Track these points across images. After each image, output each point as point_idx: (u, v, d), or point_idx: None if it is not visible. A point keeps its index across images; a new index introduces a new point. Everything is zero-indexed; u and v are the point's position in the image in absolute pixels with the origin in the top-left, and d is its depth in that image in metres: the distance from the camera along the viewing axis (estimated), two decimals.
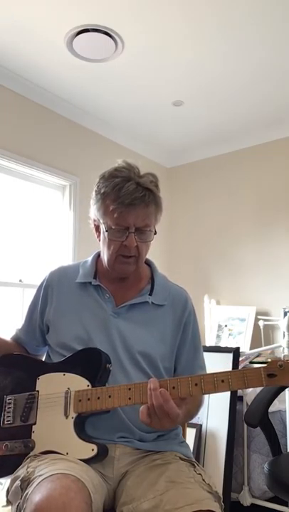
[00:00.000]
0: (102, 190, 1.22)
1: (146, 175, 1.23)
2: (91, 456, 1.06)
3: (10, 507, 1.04)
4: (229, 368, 2.36)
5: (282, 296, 3.37)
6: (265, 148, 3.68)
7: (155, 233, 1.26)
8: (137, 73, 2.88)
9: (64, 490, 0.89)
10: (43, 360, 1.35)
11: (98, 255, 1.36)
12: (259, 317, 3.37)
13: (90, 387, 1.12)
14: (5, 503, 1.06)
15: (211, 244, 3.90)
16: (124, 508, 1.03)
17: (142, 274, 1.34)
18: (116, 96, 3.15)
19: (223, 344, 3.31)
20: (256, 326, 3.35)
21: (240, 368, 2.52)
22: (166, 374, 1.24)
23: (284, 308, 3.15)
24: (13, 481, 1.05)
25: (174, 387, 1.04)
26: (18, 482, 1.01)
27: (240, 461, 2.37)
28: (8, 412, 1.19)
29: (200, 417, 2.41)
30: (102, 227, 1.25)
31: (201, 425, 2.40)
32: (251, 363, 2.82)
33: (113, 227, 1.20)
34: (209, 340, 3.48)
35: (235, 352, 2.43)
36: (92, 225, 1.32)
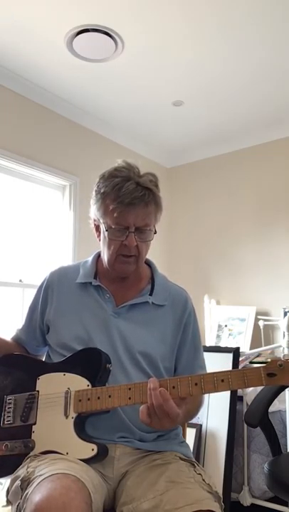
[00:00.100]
0: (102, 190, 1.22)
1: (146, 174, 1.23)
2: (91, 456, 1.06)
3: (10, 507, 1.03)
4: (229, 368, 2.36)
5: (282, 296, 3.37)
6: (265, 148, 3.69)
7: (155, 232, 1.26)
8: (137, 73, 2.88)
9: (64, 490, 0.89)
10: (43, 360, 1.35)
11: (98, 255, 1.36)
12: (259, 317, 3.37)
13: (90, 387, 1.12)
14: (5, 503, 1.06)
15: (211, 244, 3.90)
16: (124, 508, 1.03)
17: (142, 274, 1.34)
18: (116, 96, 3.15)
19: (223, 344, 3.31)
20: (256, 326, 3.35)
21: (240, 368, 2.52)
22: (166, 374, 1.24)
23: (284, 308, 3.15)
24: (13, 481, 1.05)
25: (173, 387, 1.04)
26: (18, 482, 1.01)
27: (240, 461, 2.37)
28: (9, 412, 1.19)
29: (200, 417, 2.42)
30: (102, 227, 1.25)
31: (201, 425, 2.40)
32: (251, 362, 2.82)
33: (113, 226, 1.20)
34: (209, 340, 3.48)
35: (235, 352, 2.43)
36: (92, 225, 1.32)
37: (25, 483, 0.98)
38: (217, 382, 1.03)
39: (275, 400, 1.76)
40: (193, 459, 1.20)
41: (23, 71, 2.85)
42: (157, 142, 3.91)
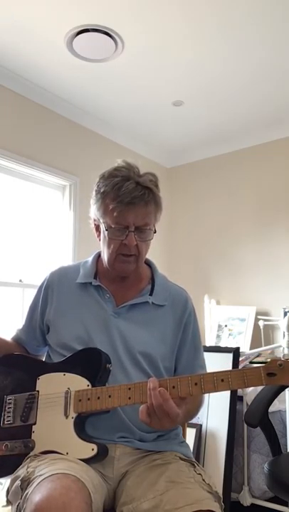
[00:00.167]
0: (101, 190, 1.22)
1: (145, 174, 1.23)
2: (91, 456, 1.06)
3: (10, 507, 1.04)
4: (229, 368, 2.36)
5: (282, 296, 3.37)
6: (265, 148, 3.69)
7: (155, 232, 1.26)
8: (137, 73, 2.88)
9: (64, 490, 0.89)
10: (43, 360, 1.35)
11: (98, 255, 1.36)
12: (259, 317, 3.37)
13: (90, 387, 1.12)
14: (5, 503, 1.06)
15: (211, 244, 3.90)
16: (124, 508, 1.03)
17: (143, 274, 1.34)
18: (116, 96, 3.15)
19: (223, 344, 3.31)
20: (256, 326, 3.35)
21: (240, 368, 2.52)
22: (166, 374, 1.24)
23: (284, 308, 3.15)
24: (13, 481, 1.05)
25: (173, 387, 1.04)
26: (18, 482, 1.01)
27: (240, 461, 2.37)
28: (9, 412, 1.19)
29: (200, 417, 2.42)
30: (102, 227, 1.25)
31: (201, 425, 2.40)
32: (251, 362, 2.82)
33: (113, 226, 1.20)
34: (209, 340, 3.48)
35: (235, 352, 2.43)
36: (93, 225, 1.32)
37: (25, 483, 0.98)
38: (217, 381, 1.03)
39: (275, 399, 1.76)
40: (193, 459, 1.20)
41: (23, 71, 2.85)
42: (157, 142, 3.91)
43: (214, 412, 2.38)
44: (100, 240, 1.29)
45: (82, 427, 1.11)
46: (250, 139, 3.72)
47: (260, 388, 1.89)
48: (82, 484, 0.93)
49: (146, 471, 1.09)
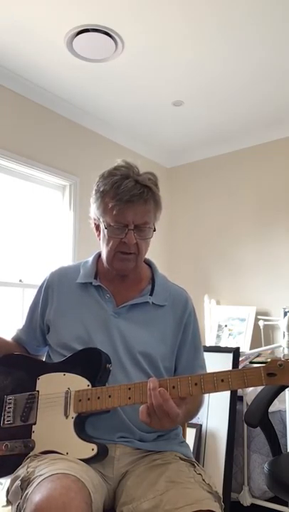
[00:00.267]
0: (101, 189, 1.23)
1: (145, 173, 1.24)
2: (91, 456, 1.06)
3: (10, 507, 1.04)
4: (229, 368, 2.36)
5: (282, 296, 3.37)
6: (265, 148, 3.69)
7: (154, 230, 1.26)
8: (137, 73, 2.88)
9: (64, 490, 0.89)
10: (44, 360, 1.35)
11: (99, 255, 1.36)
12: (259, 317, 3.37)
13: (90, 387, 1.12)
14: (5, 503, 1.06)
15: (211, 244, 3.90)
16: (124, 508, 1.03)
17: (143, 274, 1.34)
18: (116, 96, 3.15)
19: (223, 344, 3.31)
20: (256, 326, 3.35)
21: (240, 368, 2.52)
22: (166, 374, 1.24)
23: (284, 308, 3.15)
24: (13, 481, 1.05)
25: (173, 387, 1.04)
26: (18, 482, 1.01)
27: (240, 461, 2.37)
28: (9, 412, 1.19)
29: (200, 417, 2.41)
30: (102, 226, 1.25)
31: (201, 425, 2.40)
32: (251, 362, 2.82)
33: (112, 224, 1.21)
34: (209, 340, 3.48)
35: (235, 352, 2.43)
36: (93, 225, 1.32)
37: (25, 483, 0.98)
38: (217, 382, 1.03)
39: (275, 399, 1.76)
40: (193, 459, 1.20)
41: (23, 71, 2.85)
42: (157, 142, 3.91)
43: (214, 412, 2.38)
44: (100, 239, 1.29)
45: (82, 427, 1.11)
46: (250, 139, 3.72)
47: (260, 388, 1.89)
48: (82, 484, 0.93)
49: (146, 471, 1.09)
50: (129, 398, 1.07)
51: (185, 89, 3.07)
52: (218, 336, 3.45)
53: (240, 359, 2.62)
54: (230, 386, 1.02)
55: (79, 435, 1.09)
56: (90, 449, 1.07)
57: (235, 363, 2.41)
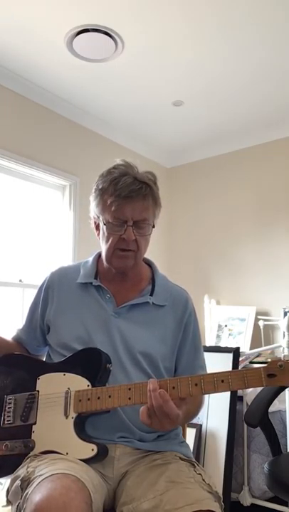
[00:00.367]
0: (99, 186, 1.24)
1: (144, 172, 1.25)
2: (91, 456, 1.06)
3: (10, 507, 1.04)
4: (229, 368, 2.36)
5: (282, 296, 3.37)
6: (265, 148, 3.69)
7: (153, 227, 1.27)
8: (137, 73, 2.88)
9: (64, 490, 0.89)
10: (44, 360, 1.35)
11: (99, 255, 1.36)
12: (259, 317, 3.37)
13: (90, 387, 1.12)
14: (5, 503, 1.06)
15: (211, 244, 3.90)
16: (124, 508, 1.03)
17: (143, 274, 1.34)
18: (116, 96, 3.15)
19: (223, 344, 3.31)
20: (256, 326, 3.35)
21: (240, 368, 2.52)
22: (166, 374, 1.24)
23: (284, 308, 3.15)
24: (13, 481, 1.05)
25: (173, 388, 1.04)
26: (18, 482, 1.01)
27: (240, 461, 2.37)
28: (9, 412, 1.19)
29: (200, 417, 2.42)
30: (101, 223, 1.25)
31: (201, 425, 2.40)
32: (251, 362, 2.82)
33: (111, 220, 1.21)
34: (209, 340, 3.48)
35: (235, 352, 2.43)
36: (93, 225, 1.33)
37: (26, 483, 0.98)
38: (217, 382, 1.03)
39: (275, 400, 1.76)
40: (193, 459, 1.20)
41: (23, 71, 2.85)
42: (157, 142, 3.91)
43: (214, 412, 2.38)
44: (100, 238, 1.30)
45: (82, 427, 1.12)
46: (250, 139, 3.72)
47: (260, 388, 1.89)
48: (82, 484, 0.93)
49: (146, 471, 1.09)
50: (129, 398, 1.07)
51: (185, 89, 3.07)
52: (218, 336, 3.45)
53: (240, 359, 2.62)
54: (230, 387, 1.02)
55: (79, 435, 1.09)
56: (89, 449, 1.07)
57: (235, 363, 2.41)
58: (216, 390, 1.03)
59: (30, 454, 1.11)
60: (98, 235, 1.30)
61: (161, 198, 1.29)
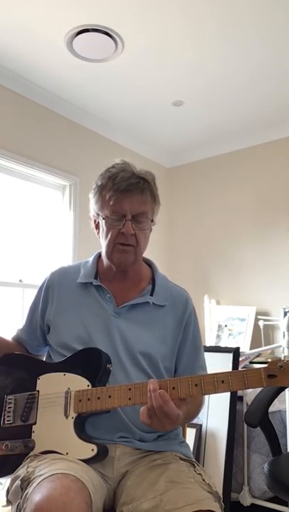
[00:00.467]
0: (98, 183, 1.26)
1: (142, 169, 1.27)
2: (91, 456, 1.06)
3: (10, 507, 1.04)
4: (229, 368, 2.36)
5: (282, 296, 3.37)
6: (265, 148, 3.69)
7: (152, 221, 1.28)
8: (137, 73, 2.88)
9: (64, 490, 0.89)
10: (44, 360, 1.35)
11: (99, 255, 1.36)
12: (259, 317, 3.37)
13: (90, 387, 1.12)
14: (5, 503, 1.06)
15: (211, 244, 3.90)
16: (124, 508, 1.03)
17: (143, 274, 1.34)
18: (116, 96, 3.15)
19: (223, 344, 3.31)
20: (256, 326, 3.35)
21: (240, 368, 2.52)
22: (166, 374, 1.24)
23: (284, 308, 3.15)
24: (13, 481, 1.05)
25: (174, 388, 1.04)
26: (18, 482, 1.01)
27: (240, 461, 2.37)
28: (9, 412, 1.19)
29: (200, 417, 2.41)
30: (101, 220, 1.26)
31: (201, 425, 2.40)
32: (251, 363, 2.82)
33: (110, 215, 1.22)
34: (209, 340, 3.48)
35: (235, 352, 2.43)
36: (93, 225, 1.33)
37: (26, 483, 0.98)
38: (217, 383, 1.03)
39: (275, 400, 1.76)
40: (193, 459, 1.20)
41: (23, 71, 2.85)
42: (157, 142, 3.91)
43: (214, 412, 2.38)
44: (99, 236, 1.30)
45: (82, 427, 1.12)
46: (250, 139, 3.72)
47: (260, 388, 1.89)
48: (82, 484, 0.93)
49: (146, 471, 1.09)
50: (130, 399, 1.07)
51: (185, 89, 3.07)
52: (218, 336, 3.45)
53: (240, 359, 2.62)
54: (230, 387, 1.02)
55: (79, 435, 1.09)
56: (89, 450, 1.07)
57: (235, 363, 2.41)
58: (216, 390, 1.03)
59: (30, 454, 1.11)
60: (98, 233, 1.31)
61: (161, 198, 1.31)
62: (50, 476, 0.93)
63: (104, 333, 1.22)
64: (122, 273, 1.29)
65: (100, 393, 1.10)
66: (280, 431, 2.37)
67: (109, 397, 1.09)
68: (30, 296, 1.41)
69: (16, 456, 1.12)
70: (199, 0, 2.24)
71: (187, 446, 1.28)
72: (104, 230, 1.25)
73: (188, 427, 2.11)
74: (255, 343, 3.31)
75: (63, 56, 2.69)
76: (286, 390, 2.23)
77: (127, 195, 1.21)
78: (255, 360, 2.87)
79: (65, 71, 2.85)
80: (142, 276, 1.33)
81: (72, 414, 1.11)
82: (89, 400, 1.10)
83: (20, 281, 2.97)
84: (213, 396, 2.27)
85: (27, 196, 3.11)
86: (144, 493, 1.02)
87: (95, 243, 1.36)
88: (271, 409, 2.10)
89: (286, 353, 2.34)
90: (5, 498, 1.07)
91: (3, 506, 1.09)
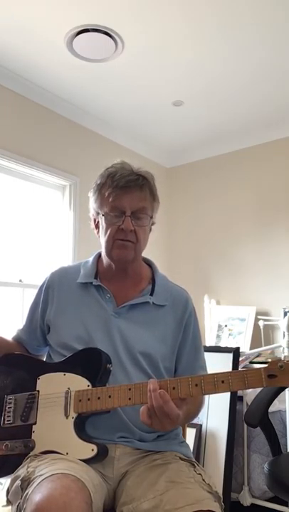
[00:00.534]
0: (98, 182, 1.28)
1: (141, 168, 1.28)
2: (91, 457, 1.06)
3: (10, 507, 1.04)
4: (229, 368, 2.36)
5: (282, 296, 3.37)
6: (265, 148, 3.69)
7: (151, 217, 1.28)
8: (137, 73, 2.88)
9: (64, 490, 0.89)
10: (44, 360, 1.35)
11: (99, 256, 1.36)
12: (259, 317, 3.37)
13: (90, 387, 1.12)
14: (5, 503, 1.06)
15: (211, 244, 3.90)
16: (124, 508, 1.03)
17: (143, 274, 1.34)
18: (116, 96, 3.15)
19: (223, 344, 3.31)
20: (256, 326, 3.35)
21: (240, 368, 2.52)
22: (166, 374, 1.24)
23: (284, 308, 3.15)
24: (13, 481, 1.05)
25: (174, 388, 1.04)
26: (18, 482, 1.01)
27: (240, 461, 2.37)
28: (9, 412, 1.19)
29: (200, 417, 2.41)
30: (100, 218, 1.27)
31: (201, 425, 2.40)
32: (251, 363, 2.82)
33: (110, 212, 1.23)
34: (209, 340, 3.48)
35: (235, 352, 2.43)
36: (93, 225, 1.33)
37: (26, 483, 0.98)
38: (217, 383, 1.03)
39: (275, 400, 1.76)
40: (193, 459, 1.20)
41: (23, 71, 2.85)
42: (157, 142, 3.91)
43: (214, 412, 2.38)
44: (99, 236, 1.30)
45: (82, 427, 1.11)
46: (250, 139, 3.72)
47: (260, 388, 1.89)
48: (82, 484, 0.93)
49: (147, 471, 1.09)
50: (130, 399, 1.07)
51: (185, 89, 3.07)
52: (218, 336, 3.45)
53: (240, 359, 2.62)
54: (230, 387, 1.02)
55: (79, 435, 1.09)
56: (90, 450, 1.07)
57: (235, 363, 2.41)
58: (216, 390, 1.03)
59: (30, 454, 1.11)
60: (98, 233, 1.31)
61: (161, 198, 1.32)
62: (50, 476, 0.93)
63: (104, 333, 1.22)
64: (121, 271, 1.29)
65: (100, 393, 1.10)
66: (280, 431, 2.37)
67: (109, 397, 1.09)
68: (30, 296, 1.41)
69: (16, 456, 1.12)
70: (199, 0, 2.24)
71: (187, 446, 1.28)
72: (104, 226, 1.25)
73: (188, 427, 2.11)
74: (255, 343, 3.31)
75: (63, 56, 2.69)
76: (286, 390, 2.23)
77: (126, 192, 1.22)
78: (255, 360, 2.87)
79: (65, 71, 2.85)
80: (142, 276, 1.33)
81: (73, 414, 1.11)
82: (89, 399, 1.10)
83: (21, 281, 2.97)
84: (213, 396, 2.27)
85: (27, 196, 3.11)
86: (144, 493, 1.02)
87: (95, 243, 1.36)
88: (271, 409, 2.10)
89: (286, 353, 2.34)
90: (5, 498, 1.07)
91: (3, 506, 1.09)
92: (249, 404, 1.81)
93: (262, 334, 3.34)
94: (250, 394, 2.41)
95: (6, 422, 1.18)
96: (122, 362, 1.19)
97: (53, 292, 1.32)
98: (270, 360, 1.00)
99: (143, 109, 3.34)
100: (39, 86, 3.01)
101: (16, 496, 0.99)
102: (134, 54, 2.68)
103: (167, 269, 3.66)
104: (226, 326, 3.47)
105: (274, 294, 3.45)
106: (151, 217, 1.29)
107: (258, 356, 2.92)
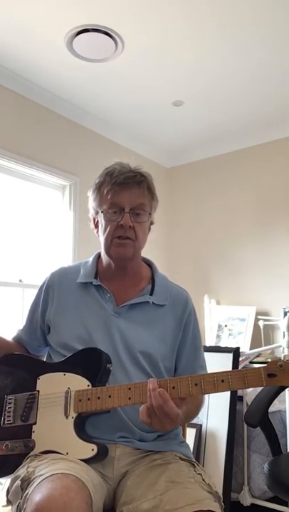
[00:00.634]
0: (96, 181, 1.30)
1: (139, 166, 1.30)
2: (91, 456, 1.06)
3: (10, 507, 1.04)
4: (229, 368, 2.36)
5: (282, 296, 3.37)
6: (265, 148, 3.69)
7: (150, 214, 1.29)
8: (137, 73, 2.88)
9: (64, 490, 0.89)
10: (44, 360, 1.35)
11: (99, 255, 1.36)
12: (259, 317, 3.37)
13: (90, 387, 1.12)
14: (5, 503, 1.06)
15: (211, 244, 3.90)
16: (124, 508, 1.03)
17: (143, 274, 1.34)
18: (116, 96, 3.15)
19: (223, 344, 3.31)
20: (256, 326, 3.35)
21: (240, 368, 2.52)
22: (166, 374, 1.24)
23: (284, 308, 3.15)
24: (13, 481, 1.05)
25: (173, 387, 1.04)
26: (18, 482, 1.01)
27: (240, 461, 2.37)
28: (9, 412, 1.19)
29: (200, 417, 2.42)
30: (99, 216, 1.28)
31: (201, 425, 2.40)
32: (251, 362, 2.82)
33: (108, 209, 1.24)
34: (209, 340, 3.48)
35: (235, 352, 2.43)
36: (92, 225, 1.34)
37: (26, 483, 0.98)
38: (217, 382, 1.03)
39: (275, 400, 1.76)
40: (193, 459, 1.20)
41: (23, 71, 2.85)
42: (157, 142, 3.91)
43: (214, 412, 2.38)
44: (99, 235, 1.31)
45: (82, 427, 1.12)
46: (250, 139, 3.72)
47: (260, 388, 1.89)
48: (82, 484, 0.93)
49: (147, 471, 1.09)
50: (129, 398, 1.07)
51: (185, 89, 3.07)
52: (218, 336, 3.45)
53: (240, 359, 2.62)
54: (230, 387, 1.02)
55: (79, 435, 1.09)
56: (90, 450, 1.07)
57: (235, 363, 2.41)
58: (216, 389, 1.03)
59: (30, 454, 1.11)
60: (97, 232, 1.32)
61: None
62: (50, 476, 0.93)
63: (104, 332, 1.22)
64: (121, 270, 1.29)
65: (100, 393, 1.10)
66: (280, 431, 2.37)
67: (109, 396, 1.09)
68: (30, 296, 1.42)
69: (16, 456, 1.12)
70: (199, 0, 2.24)
71: (187, 446, 1.28)
72: (103, 224, 1.26)
73: (188, 427, 2.11)
74: (255, 343, 3.31)
75: (63, 56, 2.69)
76: (286, 389, 2.23)
77: (125, 188, 1.24)
78: (255, 360, 2.87)
79: (65, 71, 2.85)
80: (141, 275, 1.34)
81: (73, 414, 1.11)
82: (89, 399, 1.10)
83: (21, 281, 2.97)
84: (213, 396, 2.28)
85: (27, 196, 3.11)
86: (144, 493, 1.02)
87: (95, 243, 1.36)
88: (271, 409, 2.10)
89: (286, 353, 2.34)
90: (5, 498, 1.07)
91: (4, 506, 1.09)
92: (249, 404, 1.81)
93: (262, 334, 3.34)
94: (250, 394, 2.41)
95: (6, 422, 1.18)
96: (122, 362, 1.19)
97: (53, 292, 1.32)
98: (270, 360, 1.00)
99: (143, 109, 3.34)
100: (39, 86, 3.01)
101: (16, 496, 0.99)
102: (134, 54, 2.68)
103: (167, 269, 3.66)
104: (225, 326, 3.47)
105: (274, 294, 3.45)
106: (150, 214, 1.30)
107: (258, 356, 2.92)
